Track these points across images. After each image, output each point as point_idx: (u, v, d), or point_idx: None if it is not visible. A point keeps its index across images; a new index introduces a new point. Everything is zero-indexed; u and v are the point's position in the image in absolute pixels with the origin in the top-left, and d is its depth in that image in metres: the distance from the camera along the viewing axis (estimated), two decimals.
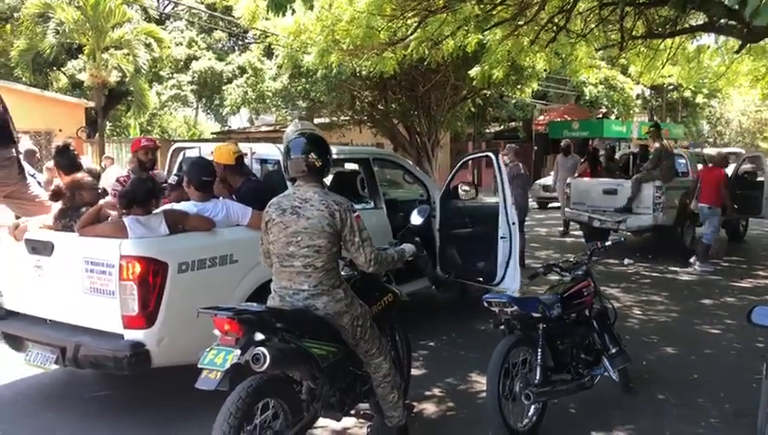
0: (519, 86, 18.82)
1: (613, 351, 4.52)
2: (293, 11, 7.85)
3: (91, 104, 18.56)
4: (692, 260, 9.77)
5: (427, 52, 12.24)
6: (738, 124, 41.86)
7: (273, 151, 5.21)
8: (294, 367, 3.25)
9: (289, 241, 3.33)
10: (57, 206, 4.71)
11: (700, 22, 11.27)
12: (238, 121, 26.87)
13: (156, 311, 3.95)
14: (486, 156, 6.35)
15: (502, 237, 5.83)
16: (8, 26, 22.08)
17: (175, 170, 5.95)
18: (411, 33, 11.87)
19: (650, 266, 9.86)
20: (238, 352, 2.94)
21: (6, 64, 20.82)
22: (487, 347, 4.11)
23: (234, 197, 4.87)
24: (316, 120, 21.24)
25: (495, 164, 5.91)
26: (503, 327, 4.15)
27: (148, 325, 3.93)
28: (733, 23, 9.49)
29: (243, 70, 18.05)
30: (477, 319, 6.46)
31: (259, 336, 3.03)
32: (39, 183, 5.19)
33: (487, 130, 26.30)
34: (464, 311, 6.81)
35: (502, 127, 27.39)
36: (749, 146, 38.50)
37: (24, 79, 18.88)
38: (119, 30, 17.23)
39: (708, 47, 15.60)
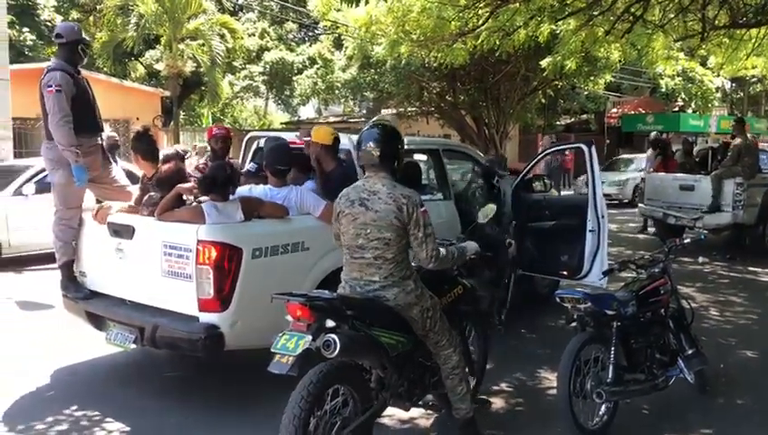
0: (592, 78, 18.35)
1: (690, 352, 4.37)
2: (366, 1, 7.89)
3: (167, 94, 19.16)
4: None
5: (497, 42, 12.07)
6: None
7: (343, 141, 5.24)
8: (364, 355, 3.28)
9: (358, 233, 3.35)
10: (135, 191, 4.91)
11: None
12: (307, 112, 27.22)
13: (230, 295, 4.04)
14: (578, 147, 6.18)
15: (590, 230, 5.67)
16: (91, 18, 23.01)
17: (249, 159, 6.07)
18: (482, 24, 11.73)
19: (728, 266, 9.47)
20: (309, 337, 2.98)
21: (89, 55, 21.73)
22: (558, 343, 4.04)
23: (319, 182, 4.92)
24: (384, 111, 21.28)
25: (587, 156, 5.71)
26: (575, 324, 4.07)
27: (222, 309, 4.03)
28: None
29: (313, 61, 18.26)
30: (547, 315, 6.36)
31: (330, 323, 3.06)
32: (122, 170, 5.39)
33: (558, 123, 25.76)
34: (533, 306, 6.70)
35: (573, 119, 26.79)
36: None
37: (104, 69, 19.66)
38: (194, 21, 17.69)
39: None
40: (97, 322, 4.71)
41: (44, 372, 4.91)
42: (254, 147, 6.14)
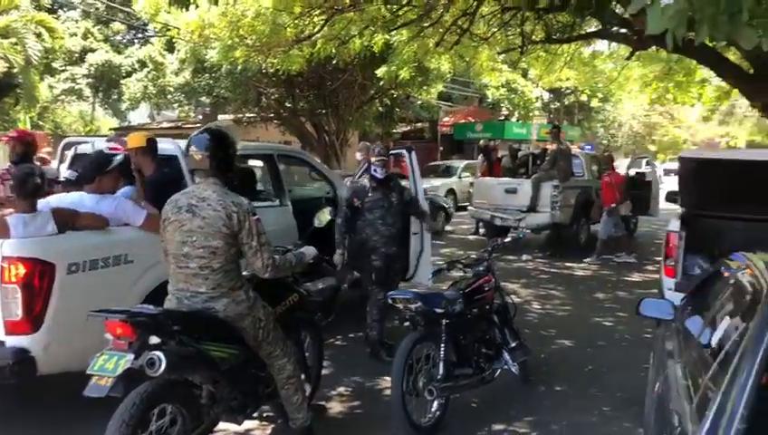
0: (425, 87, 19.14)
1: (513, 344, 4.66)
2: (197, 5, 7.63)
3: None
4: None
5: (334, 50, 12.21)
6: (629, 127, 44.27)
7: (169, 146, 5.01)
8: (193, 371, 3.14)
9: (184, 241, 3.22)
10: None
11: (595, 29, 11.82)
12: (139, 117, 25.85)
13: (42, 315, 3.71)
14: (399, 153, 6.41)
15: (414, 233, 5.88)
16: None
17: (67, 166, 5.62)
18: (318, 31, 11.81)
19: (549, 262, 10.25)
20: (131, 356, 2.81)
21: None
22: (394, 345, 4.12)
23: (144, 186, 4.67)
24: (221, 117, 20.74)
25: (408, 162, 5.98)
26: (407, 323, 4.19)
27: (32, 331, 3.70)
28: (624, 30, 10.02)
29: (143, 63, 17.37)
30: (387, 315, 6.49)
31: (154, 340, 2.91)
32: None
33: (395, 131, 26.54)
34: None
35: (409, 127, 27.73)
36: (639, 149, 40.85)
37: None
38: (5, 17, 16.14)
39: (602, 53, 16.48)
40: None
41: None
42: (70, 153, 5.69)
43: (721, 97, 17.75)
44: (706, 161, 6.10)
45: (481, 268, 4.72)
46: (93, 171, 4.33)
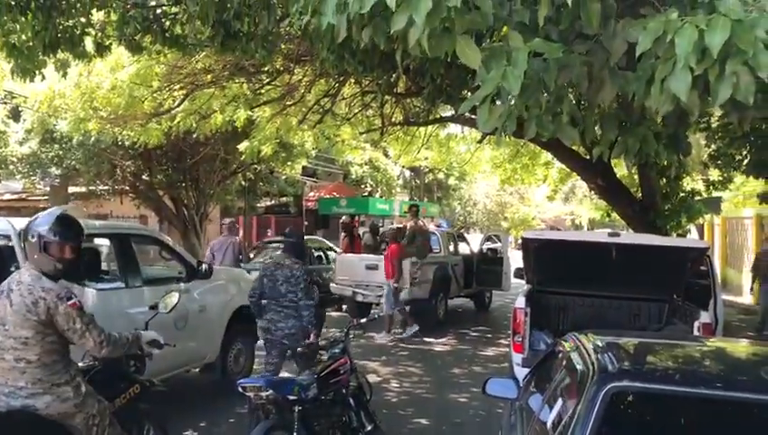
0: (289, 163, 19.25)
1: (369, 428, 4.62)
2: (43, 77, 7.30)
3: None
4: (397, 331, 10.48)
5: (194, 124, 12.07)
6: (484, 205, 46.89)
7: (4, 226, 4.65)
8: None
9: None
10: None
11: (449, 114, 12.59)
12: None
13: None
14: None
15: None
16: None
17: None
18: (178, 105, 11.68)
19: (408, 339, 10.38)
20: None
21: None
22: (247, 433, 3.95)
23: None
24: (71, 189, 19.59)
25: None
26: (259, 411, 4.04)
27: None
28: (474, 117, 10.75)
29: None
30: (240, 401, 6.23)
31: None
32: None
33: (259, 205, 26.38)
34: (224, 395, 6.53)
35: (273, 202, 27.65)
36: (493, 225, 43.20)
37: None
38: None
39: (456, 136, 17.53)
40: None
41: None
42: None
43: (563, 178, 19.37)
44: (546, 242, 6.54)
45: (337, 350, 4.69)
46: None
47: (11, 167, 16.44)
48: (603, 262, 6.14)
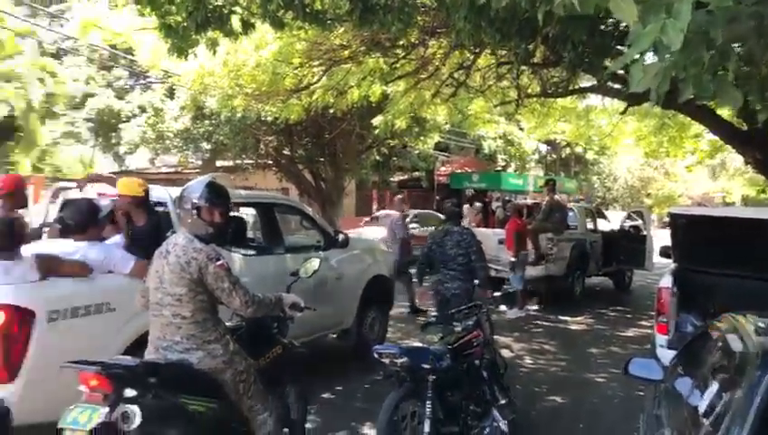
0: (421, 137, 19.30)
1: (502, 402, 4.56)
2: (195, 55, 7.75)
3: None
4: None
5: (332, 100, 12.35)
6: (625, 181, 44.56)
7: (161, 194, 5.01)
8: (169, 426, 3.05)
9: (157, 287, 3.24)
10: None
11: (589, 84, 12.00)
12: (138, 162, 26.00)
13: (19, 363, 3.63)
14: None
15: None
16: None
17: (57, 211, 5.60)
18: (317, 82, 11.98)
19: (542, 316, 10.14)
20: (106, 409, 2.74)
21: None
22: (382, 399, 4.03)
23: (130, 236, 4.63)
24: (219, 163, 20.85)
25: None
26: (393, 378, 4.10)
27: (9, 379, 3.61)
28: (617, 86, 10.17)
29: (143, 109, 17.55)
30: (374, 368, 6.38)
31: (130, 393, 2.84)
32: None
33: (392, 179, 26.74)
34: (359, 360, 6.72)
35: (406, 176, 27.89)
36: (635, 202, 41.04)
37: None
38: (9, 63, 16.37)
39: (596, 107, 16.70)
40: None
41: None
42: (60, 199, 5.67)
43: (714, 151, 17.92)
44: (696, 218, 6.10)
45: (470, 322, 4.65)
46: (82, 220, 4.30)
47: (167, 142, 17.67)
48: (761, 240, 5.62)
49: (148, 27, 10.21)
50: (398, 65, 11.68)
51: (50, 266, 3.94)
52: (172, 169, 24.74)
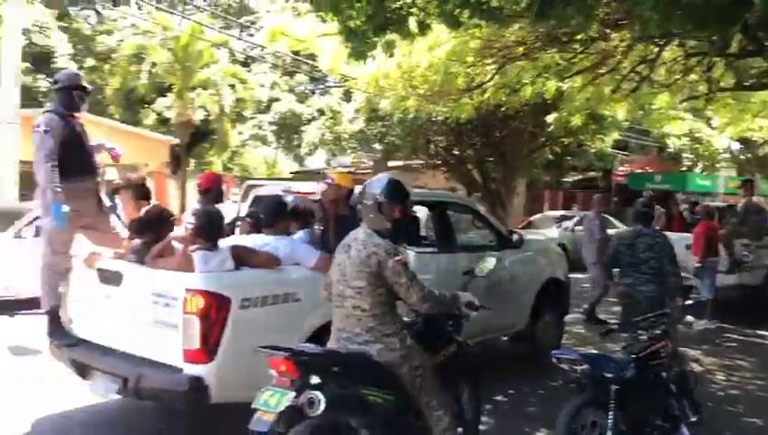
0: (599, 135, 18.44)
1: (693, 419, 4.20)
2: (373, 58, 7.98)
3: (177, 141, 19.33)
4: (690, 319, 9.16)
5: (504, 98, 12.17)
6: None
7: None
8: (350, 414, 3.15)
9: (338, 279, 3.36)
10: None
11: None
12: (315, 162, 27.49)
13: (216, 346, 3.92)
14: None
15: None
16: (106, 66, 23.43)
17: (248, 206, 6.04)
18: (489, 80, 11.86)
19: (736, 329, 9.24)
20: (293, 394, 2.88)
21: (101, 101, 22.09)
22: (557, 405, 3.88)
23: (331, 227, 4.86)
24: (391, 163, 21.39)
25: None
26: (573, 385, 3.93)
27: (208, 360, 3.91)
28: None
29: (321, 112, 18.50)
30: (548, 373, 6.19)
31: (315, 379, 2.96)
32: (118, 216, 5.32)
33: (565, 179, 25.85)
34: (532, 365, 6.55)
35: (581, 176, 26.82)
36: None
37: (116, 115, 19.91)
38: (206, 71, 17.99)
39: None
40: (82, 370, 4.57)
41: (27, 417, 4.78)
42: (251, 195, 6.10)
43: None
44: None
45: (658, 331, 4.33)
46: (272, 215, 4.59)
47: (343, 143, 18.49)
48: None
49: (329, 33, 10.69)
50: (575, 60, 11.25)
51: (243, 257, 4.24)
52: (346, 169, 25.86)
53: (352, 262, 3.27)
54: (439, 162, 19.95)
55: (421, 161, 20.04)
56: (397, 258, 3.25)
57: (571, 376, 3.85)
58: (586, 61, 11.20)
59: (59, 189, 4.45)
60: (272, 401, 2.88)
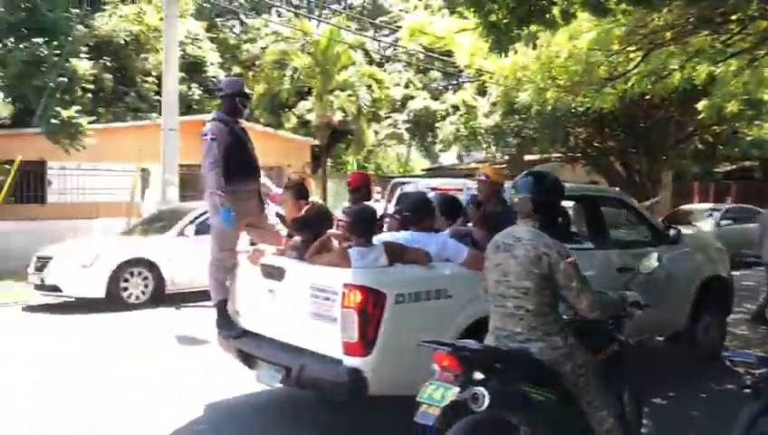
0: (756, 122, 17.05)
1: None
2: (515, 51, 7.87)
3: (317, 142, 20.07)
4: None
5: (649, 86, 11.57)
6: None
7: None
8: (512, 411, 3.13)
9: (498, 280, 3.30)
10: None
11: None
12: (448, 159, 27.51)
13: (374, 340, 4.02)
14: None
15: None
16: (250, 73, 24.78)
17: (393, 203, 6.16)
18: (634, 68, 11.32)
19: None
20: (457, 389, 2.90)
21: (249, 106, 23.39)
22: (722, 410, 3.64)
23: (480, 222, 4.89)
24: (527, 158, 20.97)
25: None
26: (748, 390, 3.66)
27: (366, 353, 4.02)
28: None
29: (456, 108, 18.50)
30: (710, 376, 5.82)
31: (478, 375, 2.97)
32: (277, 214, 5.62)
33: (716, 170, 24.12)
34: (693, 366, 6.18)
35: (734, 166, 24.91)
36: None
37: (261, 120, 21.01)
38: (344, 73, 18.55)
39: None
40: (247, 360, 4.87)
41: (198, 404, 5.15)
42: (397, 193, 6.22)
43: None
44: None
45: None
46: (421, 211, 4.65)
47: (479, 138, 18.38)
48: None
49: (467, 28, 10.66)
50: (730, 42, 10.49)
51: (396, 254, 4.33)
52: (479, 165, 25.65)
53: (519, 262, 3.20)
54: (578, 155, 19.32)
55: (559, 155, 19.49)
56: (569, 260, 3.18)
57: (747, 380, 3.59)
58: (743, 42, 10.42)
59: (224, 194, 4.78)
60: (436, 395, 2.92)
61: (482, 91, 18.12)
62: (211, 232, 5.14)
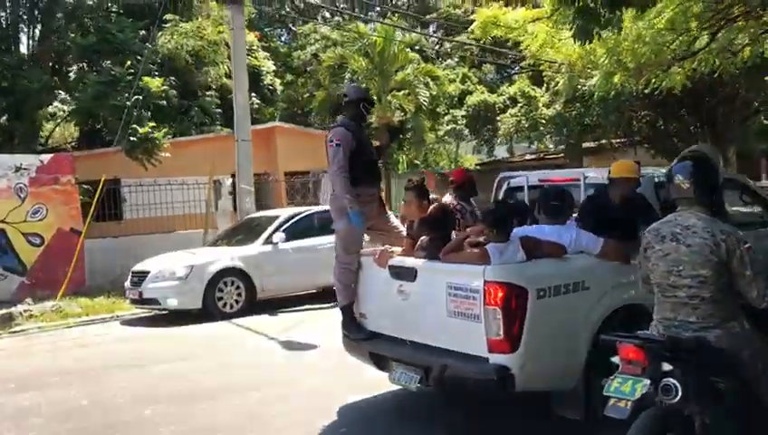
0: None
1: None
2: (600, 37, 7.74)
3: (377, 143, 20.04)
4: None
5: (717, 63, 11.26)
6: None
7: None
8: (702, 401, 3.07)
9: (669, 270, 3.21)
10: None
11: None
12: (501, 151, 27.27)
13: (519, 336, 4.02)
14: None
15: None
16: (300, 80, 24.98)
17: (500, 198, 6.13)
18: (706, 46, 11.04)
19: None
20: (647, 381, 2.88)
21: (299, 112, 23.64)
22: None
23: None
24: (585, 145, 20.59)
25: None
26: None
27: (512, 350, 4.02)
28: None
29: (514, 100, 18.32)
30: None
31: (665, 367, 2.93)
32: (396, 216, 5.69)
33: None
34: None
35: None
36: None
37: (315, 124, 21.19)
38: (401, 72, 18.57)
39: None
40: (379, 362, 4.91)
41: (334, 408, 5.21)
42: (504, 186, 6.19)
43: None
44: None
45: None
46: (555, 204, 4.63)
47: (540, 128, 18.16)
48: None
49: (541, 17, 10.54)
50: None
51: (532, 248, 4.31)
52: (534, 156, 25.30)
53: (694, 250, 3.13)
54: (640, 139, 18.91)
55: (619, 140, 19.12)
56: (746, 246, 3.10)
57: None
58: None
59: (353, 198, 4.88)
60: (625, 389, 2.90)
61: (538, 82, 17.90)
62: (336, 237, 5.20)
